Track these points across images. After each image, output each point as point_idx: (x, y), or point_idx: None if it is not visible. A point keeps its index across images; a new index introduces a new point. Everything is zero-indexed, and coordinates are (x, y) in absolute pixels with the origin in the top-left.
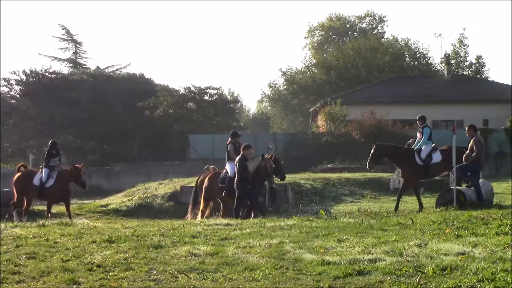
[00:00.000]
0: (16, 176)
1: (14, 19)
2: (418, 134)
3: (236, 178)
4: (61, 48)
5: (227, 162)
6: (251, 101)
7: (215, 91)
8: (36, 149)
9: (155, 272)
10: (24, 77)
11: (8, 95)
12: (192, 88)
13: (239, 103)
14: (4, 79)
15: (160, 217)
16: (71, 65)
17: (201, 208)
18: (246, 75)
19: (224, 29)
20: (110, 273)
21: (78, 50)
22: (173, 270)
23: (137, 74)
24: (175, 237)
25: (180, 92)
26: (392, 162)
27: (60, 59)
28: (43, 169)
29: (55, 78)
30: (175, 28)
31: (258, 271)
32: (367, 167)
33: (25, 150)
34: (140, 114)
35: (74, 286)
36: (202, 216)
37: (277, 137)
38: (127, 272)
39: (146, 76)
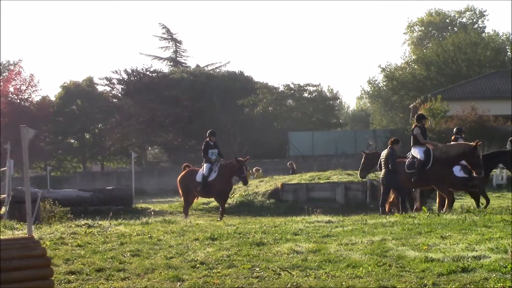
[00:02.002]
0: (180, 176)
1: (116, 20)
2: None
3: (384, 171)
4: (162, 47)
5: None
6: (351, 97)
7: (314, 88)
8: (138, 148)
9: (257, 269)
10: (125, 76)
11: (110, 94)
12: (291, 86)
13: (339, 100)
14: (106, 78)
15: (262, 215)
16: (171, 63)
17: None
18: (345, 72)
19: (323, 26)
20: (213, 270)
21: (178, 49)
22: (276, 267)
23: (237, 72)
24: (277, 234)
25: (280, 90)
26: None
27: (160, 58)
28: (204, 164)
29: (155, 77)
30: (274, 25)
31: (361, 268)
32: (359, 176)
33: (127, 148)
34: (239, 112)
35: (178, 283)
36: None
37: (377, 134)
38: (230, 269)
39: (246, 74)
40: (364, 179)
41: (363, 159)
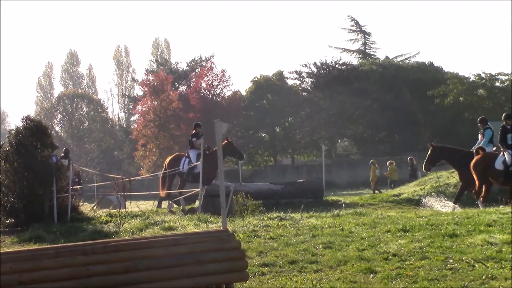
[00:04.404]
0: (474, 160)
1: (304, 13)
2: (479, 136)
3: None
4: (350, 40)
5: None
6: None
7: (507, 77)
8: (328, 140)
9: (451, 261)
10: (315, 70)
11: (299, 88)
12: (482, 75)
13: None
14: (296, 72)
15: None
16: (360, 56)
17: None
18: None
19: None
20: (405, 262)
21: (367, 41)
22: (470, 259)
23: (426, 62)
24: (470, 225)
25: (470, 79)
26: (449, 163)
27: (349, 51)
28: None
29: (345, 70)
30: (464, 14)
31: None
32: (423, 169)
33: (317, 141)
34: (430, 103)
35: (371, 275)
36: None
37: None
38: (423, 261)
39: (435, 64)
40: (428, 172)
41: (429, 152)
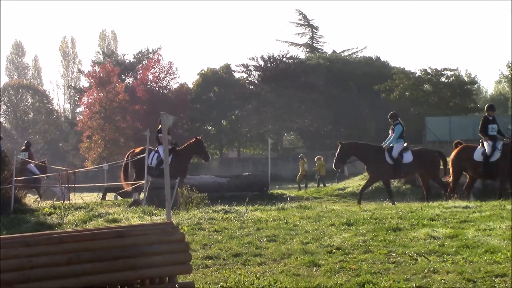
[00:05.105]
0: (453, 153)
1: (253, 6)
2: (390, 132)
3: None
4: (298, 34)
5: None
6: (489, 82)
7: (452, 73)
8: (274, 134)
9: (394, 254)
10: (262, 63)
11: (247, 81)
12: (429, 70)
13: (476, 84)
14: (243, 65)
15: (397, 200)
16: (307, 49)
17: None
18: (483, 56)
19: (459, 9)
20: (349, 256)
21: (314, 35)
22: (412, 252)
23: (373, 57)
24: (413, 219)
25: (416, 75)
26: (359, 159)
27: (297, 44)
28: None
29: (292, 63)
30: (410, 9)
31: (500, 254)
32: (333, 167)
33: (263, 135)
34: (376, 98)
35: (314, 268)
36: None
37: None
38: (366, 255)
39: (382, 59)
40: (339, 170)
41: (338, 149)
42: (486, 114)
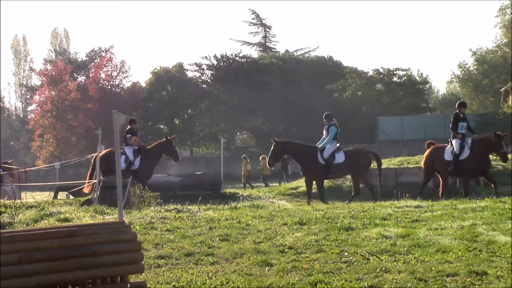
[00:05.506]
0: (425, 155)
1: (206, 5)
2: (324, 132)
3: None
4: (251, 33)
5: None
6: (441, 82)
7: (404, 73)
8: (227, 133)
9: (346, 254)
10: (215, 62)
11: (199, 80)
12: (381, 70)
13: (428, 84)
14: (196, 64)
15: (353, 200)
16: (260, 49)
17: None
18: (435, 56)
19: (412, 9)
20: (301, 255)
21: (267, 34)
22: (364, 252)
23: (326, 56)
24: (365, 219)
25: (369, 74)
26: (293, 159)
27: (250, 43)
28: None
29: (245, 62)
30: (362, 9)
31: (451, 253)
32: (267, 165)
33: (216, 134)
34: (328, 97)
35: (267, 267)
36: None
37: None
38: (318, 254)
39: (335, 59)
40: (272, 167)
41: (272, 147)
42: (457, 111)
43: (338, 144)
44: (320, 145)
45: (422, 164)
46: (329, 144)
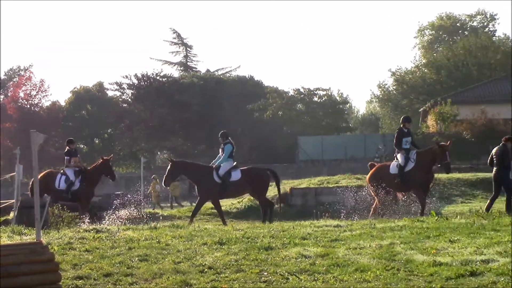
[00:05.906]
0: (369, 174)
1: (126, 25)
2: (220, 151)
3: (496, 170)
4: (172, 52)
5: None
6: (360, 102)
7: (324, 92)
8: (147, 152)
9: (265, 273)
10: (135, 81)
11: (120, 99)
12: (302, 90)
13: (348, 104)
14: (116, 83)
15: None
16: (181, 68)
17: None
18: (355, 76)
19: (333, 29)
20: (221, 275)
21: (188, 54)
22: (284, 271)
23: (247, 76)
24: (285, 238)
25: (289, 94)
26: (188, 178)
27: (171, 63)
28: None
29: (166, 82)
30: (284, 30)
31: (369, 272)
32: (163, 184)
33: (136, 153)
34: (249, 117)
35: (186, 287)
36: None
37: (387, 138)
38: (238, 274)
39: (256, 78)
40: (168, 187)
41: (169, 167)
42: (401, 126)
43: (235, 163)
44: (216, 164)
45: (367, 183)
46: (225, 162)
